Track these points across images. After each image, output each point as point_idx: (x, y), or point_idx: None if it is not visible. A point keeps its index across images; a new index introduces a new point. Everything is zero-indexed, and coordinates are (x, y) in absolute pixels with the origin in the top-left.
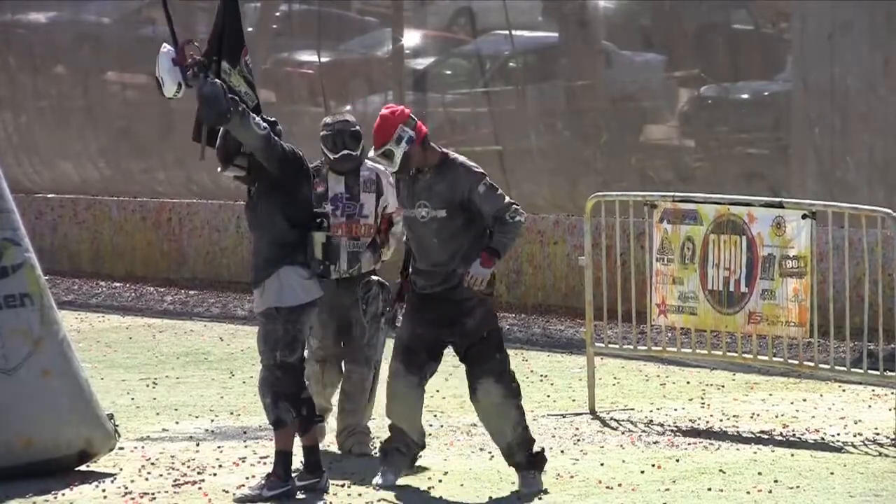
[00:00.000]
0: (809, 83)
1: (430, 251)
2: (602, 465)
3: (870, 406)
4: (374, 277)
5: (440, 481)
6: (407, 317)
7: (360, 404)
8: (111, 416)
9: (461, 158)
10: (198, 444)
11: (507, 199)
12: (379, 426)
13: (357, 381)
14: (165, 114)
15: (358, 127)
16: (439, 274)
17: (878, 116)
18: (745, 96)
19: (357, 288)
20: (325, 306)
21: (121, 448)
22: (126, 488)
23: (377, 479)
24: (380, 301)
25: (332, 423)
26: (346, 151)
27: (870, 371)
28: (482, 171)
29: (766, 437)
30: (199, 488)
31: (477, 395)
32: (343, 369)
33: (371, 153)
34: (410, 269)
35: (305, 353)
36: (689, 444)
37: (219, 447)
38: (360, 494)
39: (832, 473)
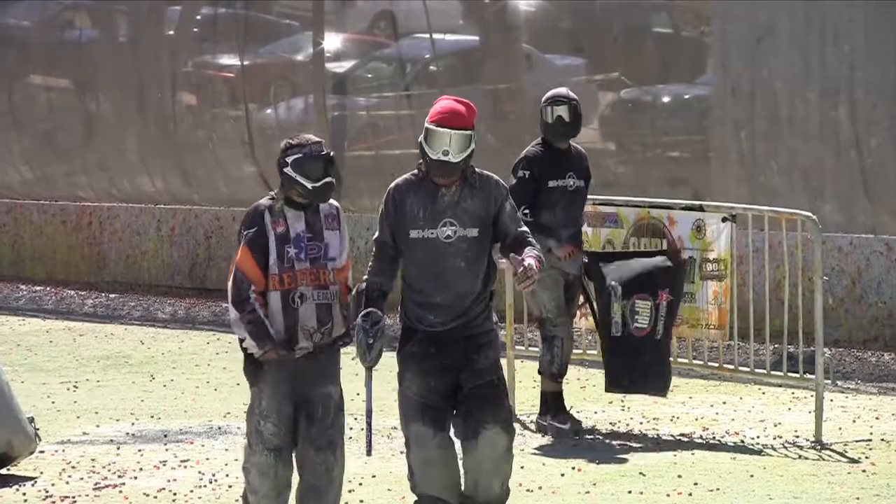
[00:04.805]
0: (732, 87)
1: (453, 279)
2: (522, 468)
3: (790, 409)
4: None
5: (360, 485)
6: (412, 369)
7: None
8: (32, 420)
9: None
10: (118, 448)
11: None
12: None
13: (322, 471)
14: (88, 118)
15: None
16: (457, 307)
17: (800, 120)
18: (666, 100)
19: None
20: (282, 379)
21: (41, 451)
22: (47, 492)
23: None
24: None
25: None
26: (329, 179)
27: (790, 374)
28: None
29: (686, 439)
30: (120, 491)
31: (478, 441)
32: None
33: (441, 128)
34: (407, 310)
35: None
36: (610, 446)
37: (139, 450)
38: None
39: (752, 476)
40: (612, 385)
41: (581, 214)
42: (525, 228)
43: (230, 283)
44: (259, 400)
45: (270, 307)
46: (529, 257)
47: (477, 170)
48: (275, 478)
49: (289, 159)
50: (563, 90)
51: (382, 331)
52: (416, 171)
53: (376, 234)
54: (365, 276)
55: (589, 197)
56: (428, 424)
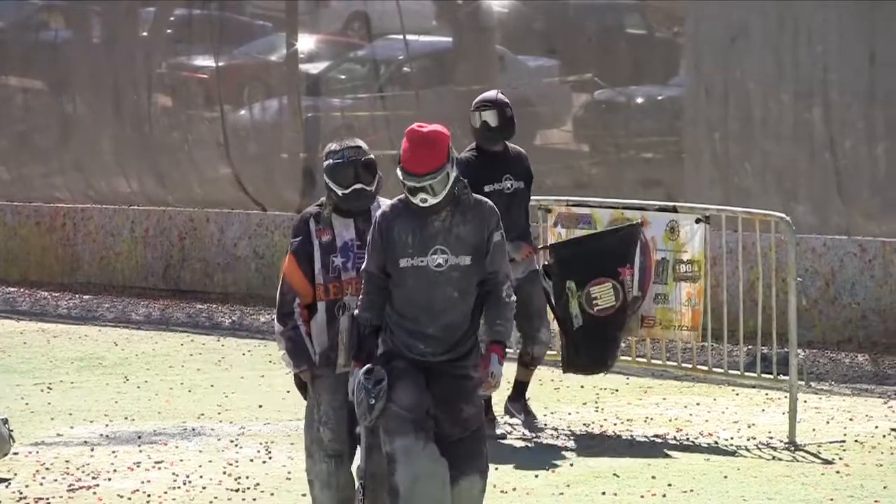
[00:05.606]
0: (705, 88)
1: (443, 309)
2: (496, 469)
3: (763, 410)
4: None
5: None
6: (402, 379)
7: None
8: (6, 421)
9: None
10: (92, 449)
11: (508, 265)
12: None
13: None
14: (64, 119)
15: (372, 156)
16: (448, 340)
17: (774, 122)
18: (640, 101)
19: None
20: (340, 387)
21: (15, 453)
22: (21, 493)
23: None
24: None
25: None
26: (359, 185)
27: (763, 375)
28: None
29: (659, 441)
30: (94, 493)
31: (460, 484)
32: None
33: (411, 182)
34: (393, 336)
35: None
36: (584, 448)
37: (113, 452)
38: None
39: (726, 477)
40: (570, 367)
41: (523, 216)
42: (503, 271)
43: (278, 293)
44: (318, 406)
45: (317, 318)
46: (496, 365)
47: (473, 194)
48: (337, 487)
49: (325, 165)
50: (491, 94)
51: (385, 390)
52: (403, 195)
53: (363, 264)
54: (355, 310)
55: (563, 198)
56: (420, 436)
